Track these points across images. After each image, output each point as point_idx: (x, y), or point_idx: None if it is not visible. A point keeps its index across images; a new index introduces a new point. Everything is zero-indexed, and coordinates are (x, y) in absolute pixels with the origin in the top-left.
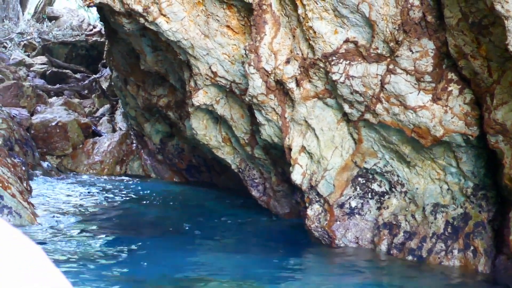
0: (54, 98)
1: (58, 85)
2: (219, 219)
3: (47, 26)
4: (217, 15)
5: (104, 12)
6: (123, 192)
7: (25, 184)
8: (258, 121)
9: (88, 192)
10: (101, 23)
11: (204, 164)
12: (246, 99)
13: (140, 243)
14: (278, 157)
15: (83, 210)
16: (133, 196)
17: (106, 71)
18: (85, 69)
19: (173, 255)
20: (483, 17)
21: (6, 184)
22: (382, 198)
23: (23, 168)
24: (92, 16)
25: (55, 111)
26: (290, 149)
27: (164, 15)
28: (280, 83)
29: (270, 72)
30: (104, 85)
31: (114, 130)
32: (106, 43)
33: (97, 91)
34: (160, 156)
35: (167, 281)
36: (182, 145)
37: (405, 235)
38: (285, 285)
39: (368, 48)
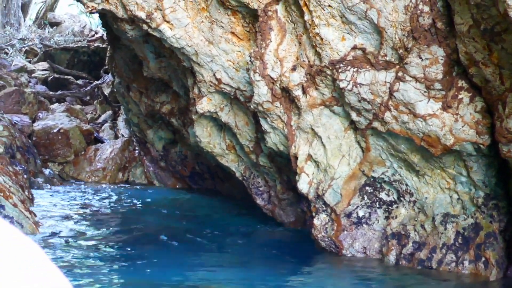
0: (56, 104)
1: (60, 92)
2: (223, 228)
3: (48, 32)
4: (221, 22)
5: (107, 18)
6: (125, 200)
7: (26, 193)
8: (263, 129)
9: (90, 200)
10: (103, 29)
11: (208, 171)
12: (251, 106)
13: (142, 252)
14: (284, 165)
15: (85, 219)
16: (136, 205)
17: (108, 77)
18: (87, 75)
19: (176, 264)
20: (496, 23)
21: (8, 194)
22: (390, 207)
23: (25, 176)
24: (94, 22)
25: (57, 118)
26: (296, 158)
27: (168, 22)
28: (286, 91)
29: (275, 79)
30: (106, 91)
31: (116, 137)
32: (108, 49)
33: (99, 97)
34: (163, 163)
35: None
36: (185, 152)
37: (414, 245)
38: None
39: (376, 55)
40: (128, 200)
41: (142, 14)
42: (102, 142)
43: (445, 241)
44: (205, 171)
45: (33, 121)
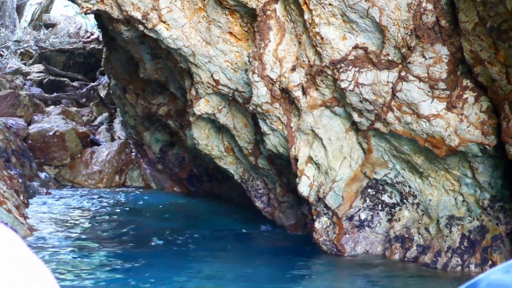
0: (52, 107)
1: (55, 94)
2: (222, 232)
3: (44, 33)
4: (219, 21)
5: (102, 19)
6: (122, 205)
7: (22, 197)
8: (262, 130)
9: (86, 205)
10: (99, 30)
11: (206, 173)
12: (250, 108)
13: (138, 256)
14: (283, 167)
15: (81, 224)
16: (132, 209)
17: (104, 79)
18: (83, 77)
19: (174, 268)
20: (503, 21)
21: (2, 199)
22: (393, 210)
23: (20, 180)
24: (90, 23)
25: (52, 120)
26: (297, 160)
27: (164, 22)
28: (285, 92)
29: (275, 80)
30: (102, 93)
31: (112, 139)
32: (104, 51)
33: (95, 99)
34: (160, 166)
35: None
36: (182, 154)
37: (418, 248)
38: None
39: (378, 55)
40: (125, 204)
41: (137, 15)
42: (98, 144)
43: (450, 244)
44: (203, 174)
45: (29, 124)
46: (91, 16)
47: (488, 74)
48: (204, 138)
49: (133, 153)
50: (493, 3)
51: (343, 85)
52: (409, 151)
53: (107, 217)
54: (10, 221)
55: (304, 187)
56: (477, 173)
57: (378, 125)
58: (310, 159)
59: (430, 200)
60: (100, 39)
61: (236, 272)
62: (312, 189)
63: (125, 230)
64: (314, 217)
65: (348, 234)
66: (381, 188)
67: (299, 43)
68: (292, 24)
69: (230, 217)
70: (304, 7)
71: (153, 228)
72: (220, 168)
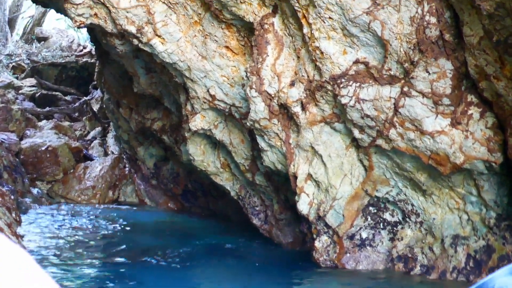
0: (44, 121)
1: (48, 108)
2: (218, 252)
3: (36, 47)
4: (215, 35)
5: (95, 33)
6: (115, 222)
7: (14, 215)
8: (260, 146)
9: (79, 222)
10: (92, 43)
11: (201, 189)
12: (247, 123)
13: (133, 275)
14: (281, 183)
15: (73, 242)
16: (126, 226)
17: (97, 93)
18: (76, 91)
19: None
20: (510, 34)
21: None
22: (395, 228)
23: (12, 197)
24: (82, 36)
25: (45, 135)
26: (296, 177)
27: (159, 36)
28: (284, 107)
29: (273, 96)
30: (95, 107)
31: (106, 154)
32: (97, 64)
33: (88, 113)
34: (154, 181)
35: None
36: (177, 169)
37: (422, 269)
38: None
39: (380, 69)
40: (118, 222)
41: (132, 29)
42: (91, 159)
43: (455, 265)
44: (198, 189)
45: (21, 139)
46: (84, 30)
47: (494, 89)
48: (200, 154)
49: (127, 168)
50: (500, 16)
51: (343, 100)
52: (412, 168)
53: (99, 235)
54: None
55: (303, 205)
56: (483, 191)
57: (380, 141)
58: (309, 176)
59: (434, 218)
60: (93, 52)
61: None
62: (312, 207)
63: (118, 248)
64: (314, 236)
65: (349, 253)
66: (382, 206)
67: (298, 57)
68: (291, 38)
69: (225, 236)
70: (303, 21)
71: (145, 246)
72: (215, 184)
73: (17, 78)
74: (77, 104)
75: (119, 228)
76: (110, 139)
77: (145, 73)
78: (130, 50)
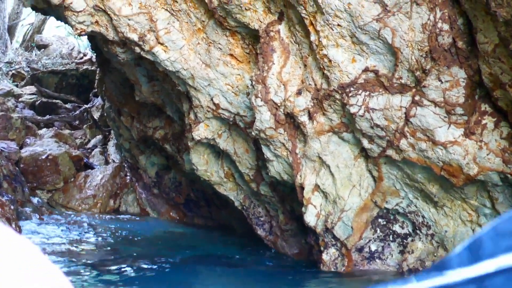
0: (44, 129)
1: (48, 116)
2: (221, 262)
3: (36, 54)
4: (219, 43)
5: (96, 40)
6: (116, 233)
7: (13, 225)
8: (265, 156)
9: (79, 232)
10: (92, 51)
11: (204, 198)
12: (253, 133)
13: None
14: (287, 194)
15: (72, 254)
16: (127, 237)
17: (98, 101)
18: (76, 99)
19: None
20: None
21: None
22: (405, 240)
23: (12, 207)
24: (83, 44)
25: (45, 144)
26: (302, 188)
27: (162, 44)
28: (290, 116)
29: (279, 105)
30: (96, 115)
31: (107, 162)
32: (98, 72)
33: (89, 121)
34: (156, 190)
35: None
36: (179, 178)
37: None
38: None
39: (390, 78)
40: (118, 233)
41: (134, 36)
42: (92, 168)
43: None
44: (200, 198)
45: (21, 148)
46: (84, 37)
47: (509, 98)
48: (203, 164)
49: (128, 177)
50: None
51: (352, 110)
52: (423, 180)
53: (99, 247)
54: None
55: (310, 217)
56: (497, 203)
57: (390, 152)
58: (317, 187)
59: (446, 231)
60: (94, 60)
61: None
62: (319, 219)
63: (118, 260)
64: (322, 248)
65: (358, 266)
66: (392, 218)
67: (305, 65)
68: (297, 45)
69: (229, 245)
70: (311, 28)
71: (147, 258)
72: (219, 193)
73: (17, 86)
74: (77, 112)
75: (120, 239)
76: (111, 148)
77: (147, 81)
78: (132, 58)
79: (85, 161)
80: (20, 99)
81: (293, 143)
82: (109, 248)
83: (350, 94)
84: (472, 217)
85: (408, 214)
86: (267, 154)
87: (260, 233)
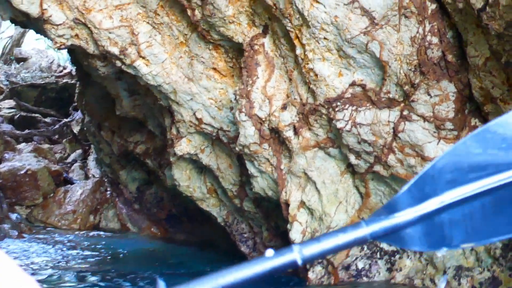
0: (23, 144)
1: (27, 131)
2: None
3: (15, 68)
4: (202, 57)
5: (76, 54)
6: (95, 251)
7: None
8: (249, 172)
9: (58, 251)
10: (72, 64)
11: (186, 213)
12: (236, 148)
13: None
14: (271, 210)
15: (52, 273)
16: (107, 256)
17: (78, 114)
18: (56, 113)
19: None
20: None
21: None
22: (392, 258)
23: None
24: (62, 57)
25: (24, 159)
26: (288, 205)
27: (143, 58)
28: (275, 132)
29: (264, 119)
30: (76, 129)
31: (86, 177)
32: (78, 85)
33: (68, 135)
34: (137, 205)
35: None
36: (161, 193)
37: None
38: None
39: (378, 92)
40: (98, 251)
41: (115, 50)
42: (72, 183)
43: None
44: (182, 214)
45: None
46: (64, 50)
47: (501, 112)
48: (185, 180)
49: (108, 192)
50: (510, 36)
51: (339, 125)
52: None
53: (78, 265)
54: None
55: (296, 234)
56: None
57: (377, 168)
58: (302, 203)
59: None
60: (73, 73)
61: None
62: (305, 236)
63: (96, 281)
64: (307, 267)
65: (345, 285)
66: None
67: (290, 79)
68: (282, 59)
69: (212, 262)
70: (296, 42)
71: (128, 277)
72: (201, 209)
73: None
74: (57, 126)
75: (100, 257)
76: (91, 162)
77: (128, 95)
78: (113, 72)
79: (64, 176)
80: None
81: (278, 158)
82: (88, 266)
83: (336, 109)
84: None
85: None
86: (251, 169)
87: (243, 250)
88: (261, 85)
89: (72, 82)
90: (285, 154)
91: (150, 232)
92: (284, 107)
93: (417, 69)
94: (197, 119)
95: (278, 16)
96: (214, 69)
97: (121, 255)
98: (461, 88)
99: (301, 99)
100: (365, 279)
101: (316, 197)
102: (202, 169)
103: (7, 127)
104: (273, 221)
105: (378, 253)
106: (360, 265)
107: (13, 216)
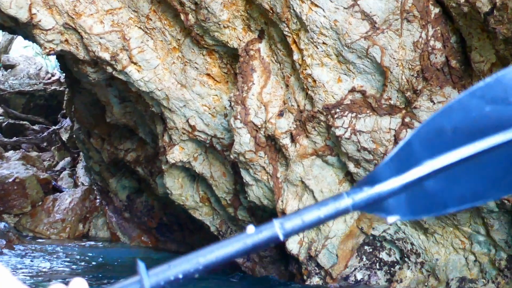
0: (11, 152)
1: (15, 138)
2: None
3: (2, 75)
4: (195, 62)
5: (66, 60)
6: (85, 262)
7: None
8: (244, 181)
9: (46, 262)
10: (61, 71)
11: (177, 222)
12: (231, 156)
13: None
14: (266, 219)
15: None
16: (96, 267)
17: (67, 122)
18: (44, 120)
19: None
20: None
21: None
22: (392, 268)
23: None
24: (51, 64)
25: (12, 167)
26: (284, 214)
27: (135, 63)
28: (271, 139)
29: (259, 127)
30: (64, 136)
31: (75, 185)
32: (67, 92)
33: (57, 143)
34: (127, 214)
35: None
36: (152, 201)
37: None
38: None
39: (378, 99)
40: (88, 261)
41: (106, 55)
42: (60, 191)
43: None
44: (173, 223)
45: None
46: (52, 57)
47: None
48: (177, 188)
49: (98, 200)
50: None
51: (338, 132)
52: None
53: (66, 275)
54: None
55: (293, 244)
56: (492, 230)
57: None
58: None
59: (437, 259)
60: (62, 80)
61: None
62: (302, 246)
63: None
64: (305, 277)
65: None
66: (378, 245)
67: (287, 86)
68: (279, 65)
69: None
70: (293, 47)
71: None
72: (193, 217)
73: None
74: (45, 133)
75: (89, 268)
76: (80, 170)
77: (118, 102)
78: (104, 78)
79: (53, 184)
80: None
81: (274, 166)
82: (76, 276)
83: (335, 116)
84: (465, 244)
85: (396, 241)
86: (246, 178)
87: (237, 260)
88: (256, 91)
89: (61, 89)
90: (281, 162)
91: (141, 241)
92: (280, 114)
93: (419, 75)
94: (190, 126)
95: (275, 21)
96: (208, 75)
97: (110, 264)
98: None
99: (298, 106)
100: None
101: None
102: (195, 177)
103: None
104: None
105: (377, 264)
106: (359, 276)
107: (1, 224)
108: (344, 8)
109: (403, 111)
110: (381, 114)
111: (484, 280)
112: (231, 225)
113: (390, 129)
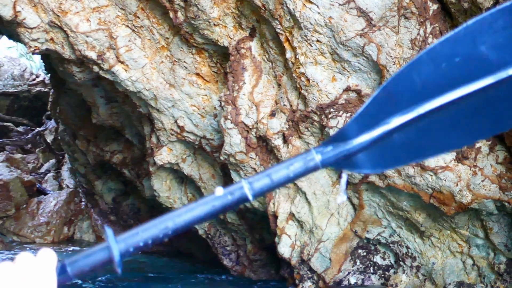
0: None
1: None
2: None
3: None
4: (184, 61)
5: (51, 60)
6: None
7: None
8: (234, 182)
9: None
10: (46, 72)
11: None
12: (221, 157)
13: None
14: (255, 222)
15: None
16: None
17: (51, 123)
18: (29, 122)
19: None
20: None
21: None
22: (386, 273)
23: None
24: (35, 65)
25: None
26: (276, 217)
27: (122, 62)
28: (263, 140)
29: (251, 127)
30: (49, 138)
31: (60, 188)
32: (52, 93)
33: (42, 145)
34: (113, 217)
35: None
36: (138, 204)
37: None
38: None
39: None
40: None
41: (92, 54)
42: (45, 194)
43: None
44: None
45: None
46: (37, 58)
47: None
48: (165, 190)
49: (83, 203)
50: None
51: (332, 133)
52: (408, 208)
53: None
54: None
55: (284, 248)
56: (491, 234)
57: (373, 178)
58: (291, 216)
59: (434, 263)
60: (47, 81)
61: None
62: (294, 250)
63: None
64: (297, 282)
65: None
66: (373, 248)
67: (279, 85)
68: (270, 64)
69: (193, 274)
70: (286, 45)
71: None
72: None
73: None
74: (30, 135)
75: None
76: (65, 172)
77: (105, 102)
78: (90, 78)
79: (37, 186)
80: None
81: (265, 168)
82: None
83: (329, 116)
84: (463, 248)
85: (391, 245)
86: (237, 180)
87: (226, 263)
88: (248, 91)
89: (45, 90)
90: (273, 164)
91: None
92: (272, 114)
93: None
94: (178, 127)
95: (267, 18)
96: (197, 74)
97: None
98: None
99: (291, 106)
100: None
101: (306, 209)
102: (183, 179)
103: None
104: (257, 234)
105: (371, 268)
106: (353, 280)
107: None
108: (340, 4)
109: None
110: None
111: (483, 285)
112: (220, 228)
113: None
